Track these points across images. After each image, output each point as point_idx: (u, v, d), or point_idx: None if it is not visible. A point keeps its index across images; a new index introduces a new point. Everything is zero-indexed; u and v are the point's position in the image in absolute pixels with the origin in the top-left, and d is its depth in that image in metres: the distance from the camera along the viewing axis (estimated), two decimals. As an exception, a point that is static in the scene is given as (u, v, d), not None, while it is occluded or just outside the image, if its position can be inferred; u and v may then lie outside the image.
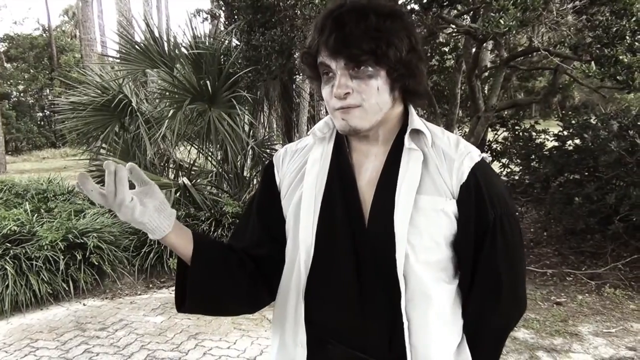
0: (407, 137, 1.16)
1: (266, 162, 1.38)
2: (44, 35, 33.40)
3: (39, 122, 30.21)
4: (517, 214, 1.21)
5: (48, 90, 29.68)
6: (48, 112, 28.51)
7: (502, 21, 4.19)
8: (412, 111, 1.21)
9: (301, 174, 1.24)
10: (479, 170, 1.16)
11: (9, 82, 30.19)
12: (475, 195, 1.14)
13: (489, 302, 1.20)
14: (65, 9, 40.73)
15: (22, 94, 31.26)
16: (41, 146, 28.92)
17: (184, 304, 1.19)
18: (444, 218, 1.13)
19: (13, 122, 27.41)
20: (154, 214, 1.10)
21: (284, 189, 1.27)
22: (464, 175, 1.14)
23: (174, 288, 1.22)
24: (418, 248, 1.12)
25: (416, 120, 1.19)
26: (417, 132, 1.18)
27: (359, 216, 1.17)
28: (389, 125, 1.19)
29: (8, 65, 31.25)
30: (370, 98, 1.10)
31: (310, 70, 1.18)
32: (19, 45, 31.10)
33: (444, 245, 1.15)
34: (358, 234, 1.16)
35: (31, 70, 30.83)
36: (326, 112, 1.22)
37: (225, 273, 1.21)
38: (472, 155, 1.17)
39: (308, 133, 1.30)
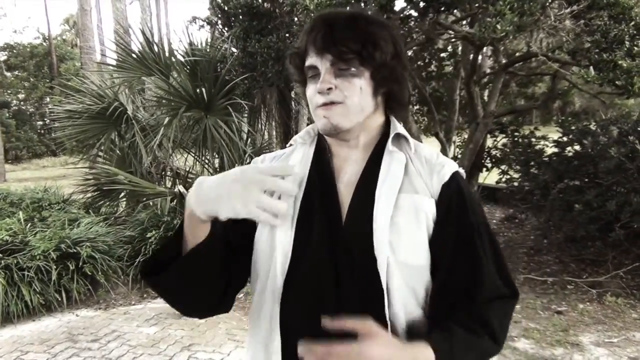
0: (390, 140, 1.19)
1: None
2: (44, 44, 33.46)
3: (39, 131, 30.20)
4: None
5: (48, 99, 29.72)
6: (48, 121, 28.52)
7: (498, 26, 4.15)
8: (395, 120, 1.24)
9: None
10: (459, 177, 1.18)
11: (8, 91, 30.23)
12: (457, 197, 1.15)
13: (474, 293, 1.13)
14: (66, 18, 40.85)
15: (22, 103, 31.30)
16: (41, 154, 28.91)
17: (157, 274, 1.10)
18: (422, 216, 1.12)
19: (13, 131, 27.39)
20: None
21: None
22: (446, 176, 1.15)
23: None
24: (397, 248, 1.09)
25: (400, 128, 1.22)
26: (399, 138, 1.21)
27: (336, 217, 1.15)
28: (369, 133, 1.22)
29: (8, 74, 31.28)
30: (353, 96, 1.13)
31: (297, 72, 1.22)
32: (19, 54, 31.14)
33: (426, 247, 1.12)
34: (335, 234, 1.13)
35: (31, 79, 30.87)
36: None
37: (216, 264, 1.14)
38: (452, 163, 1.20)
39: (289, 143, 1.30)
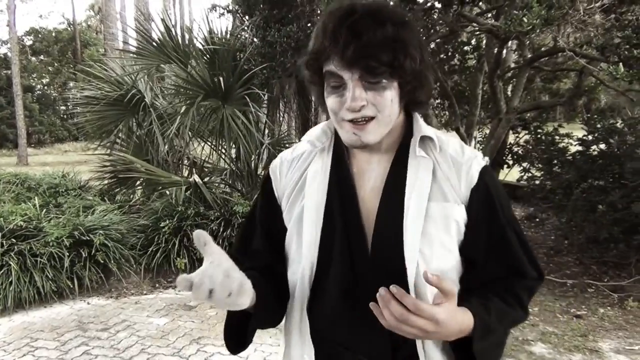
0: (416, 144, 1.14)
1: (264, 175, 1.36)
2: (69, 29, 33.77)
3: (62, 116, 30.56)
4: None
5: (71, 84, 30.04)
6: (70, 106, 28.89)
7: (525, 19, 4.01)
8: (418, 117, 1.18)
9: (299, 186, 1.21)
10: (487, 175, 1.14)
11: (33, 76, 30.57)
12: (486, 198, 1.13)
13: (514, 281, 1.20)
14: (91, 4, 41.20)
15: (46, 87, 31.66)
16: (63, 139, 29.28)
17: (241, 347, 1.20)
18: (453, 224, 1.11)
19: (36, 115, 27.72)
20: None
21: (284, 203, 1.24)
22: (474, 178, 1.12)
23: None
24: (429, 257, 1.09)
25: (424, 127, 1.16)
26: (424, 139, 1.15)
27: (358, 227, 1.13)
28: (392, 134, 1.16)
29: (33, 59, 31.64)
30: (384, 110, 1.07)
31: (312, 76, 1.13)
32: (44, 39, 31.48)
33: (455, 252, 1.13)
34: (357, 245, 1.13)
35: (55, 64, 31.20)
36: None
37: (274, 305, 1.20)
38: (479, 159, 1.15)
39: (302, 139, 1.26)
